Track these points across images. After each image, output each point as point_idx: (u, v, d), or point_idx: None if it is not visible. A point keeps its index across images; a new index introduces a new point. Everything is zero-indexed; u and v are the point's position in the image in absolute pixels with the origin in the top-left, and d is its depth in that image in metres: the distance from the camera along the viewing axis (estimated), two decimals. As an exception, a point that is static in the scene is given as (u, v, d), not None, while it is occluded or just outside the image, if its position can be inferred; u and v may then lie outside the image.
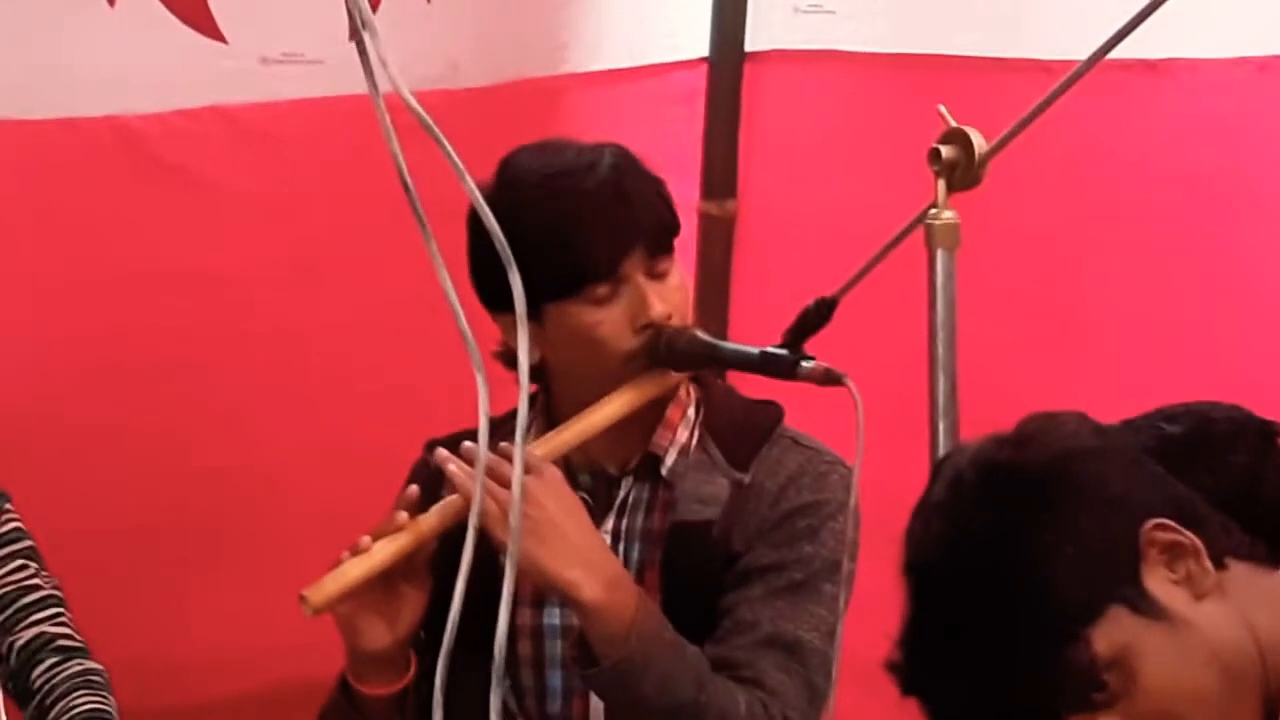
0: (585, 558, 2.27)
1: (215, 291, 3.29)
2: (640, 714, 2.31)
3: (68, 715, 2.64)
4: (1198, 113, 3.41)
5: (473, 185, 1.54)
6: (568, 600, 2.31)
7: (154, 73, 3.20)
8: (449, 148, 1.48)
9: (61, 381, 3.21)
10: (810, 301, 2.30)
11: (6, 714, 2.70)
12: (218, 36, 3.20)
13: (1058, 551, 1.62)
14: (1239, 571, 1.65)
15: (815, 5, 3.61)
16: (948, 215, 2.35)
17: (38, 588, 2.73)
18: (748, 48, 3.69)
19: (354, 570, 2.27)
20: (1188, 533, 1.63)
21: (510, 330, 2.35)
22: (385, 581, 2.30)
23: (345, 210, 3.30)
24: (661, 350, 2.36)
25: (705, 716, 2.29)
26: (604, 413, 2.37)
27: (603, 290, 2.36)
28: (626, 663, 2.26)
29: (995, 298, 3.22)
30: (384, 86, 1.49)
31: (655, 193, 2.42)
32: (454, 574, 1.56)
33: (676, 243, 2.45)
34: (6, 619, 2.71)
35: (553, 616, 2.46)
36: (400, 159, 1.48)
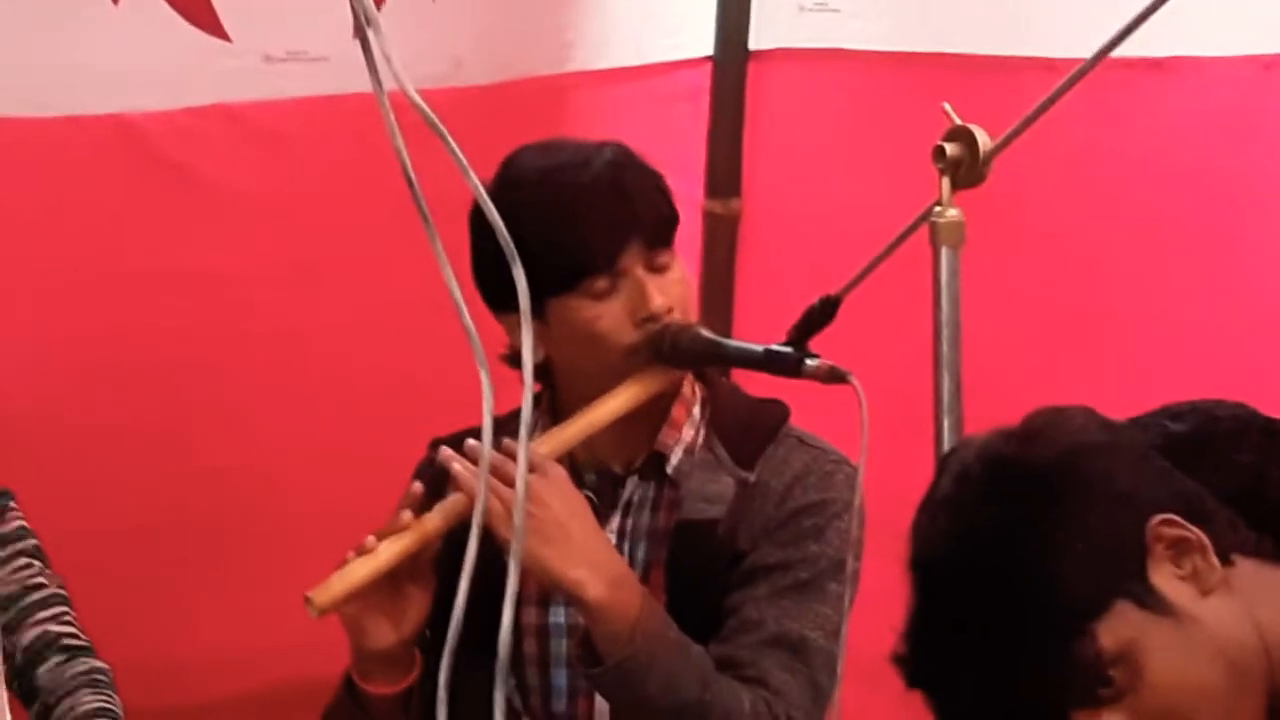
0: (589, 557, 2.28)
1: (218, 290, 3.29)
2: (644, 713, 2.31)
3: (72, 714, 2.64)
4: (1202, 111, 3.41)
5: (477, 183, 1.54)
6: (572, 599, 2.31)
7: (158, 71, 3.20)
8: (454, 145, 1.48)
9: (64, 380, 3.21)
10: (815, 300, 2.30)
11: (11, 713, 2.70)
12: (222, 34, 3.20)
13: (1064, 546, 1.61)
14: (1245, 567, 1.65)
15: (820, 4, 3.60)
16: (952, 213, 2.35)
17: (42, 586, 2.73)
18: (752, 46, 3.68)
19: (359, 570, 2.27)
20: (1194, 528, 1.63)
21: (514, 329, 2.36)
22: (390, 581, 2.30)
23: (349, 208, 3.30)
24: (666, 348, 2.36)
25: (709, 716, 2.29)
26: (608, 408, 2.37)
27: (602, 284, 2.36)
28: (631, 662, 2.26)
29: (1000, 296, 3.21)
30: (388, 84, 1.48)
31: (653, 186, 2.42)
32: (459, 573, 1.56)
33: (680, 241, 2.45)
34: (11, 618, 2.70)
35: (558, 615, 2.46)
36: (405, 157, 1.48)
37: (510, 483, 2.22)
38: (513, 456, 2.19)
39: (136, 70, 3.18)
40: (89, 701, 2.65)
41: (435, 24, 3.35)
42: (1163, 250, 3.43)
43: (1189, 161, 3.40)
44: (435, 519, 2.29)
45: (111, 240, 3.22)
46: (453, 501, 2.30)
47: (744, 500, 2.41)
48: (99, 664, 2.71)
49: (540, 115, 3.41)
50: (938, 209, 2.35)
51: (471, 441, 2.28)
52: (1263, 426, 1.77)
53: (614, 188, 2.37)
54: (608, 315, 2.37)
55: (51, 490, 2.97)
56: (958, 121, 2.36)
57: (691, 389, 2.48)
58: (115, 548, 3.22)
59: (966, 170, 2.34)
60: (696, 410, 2.48)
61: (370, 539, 2.28)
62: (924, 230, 2.37)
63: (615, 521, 2.46)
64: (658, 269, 2.39)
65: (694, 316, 2.43)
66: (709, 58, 3.69)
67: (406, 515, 2.30)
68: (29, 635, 2.69)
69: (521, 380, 1.63)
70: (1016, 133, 2.33)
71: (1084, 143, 3.35)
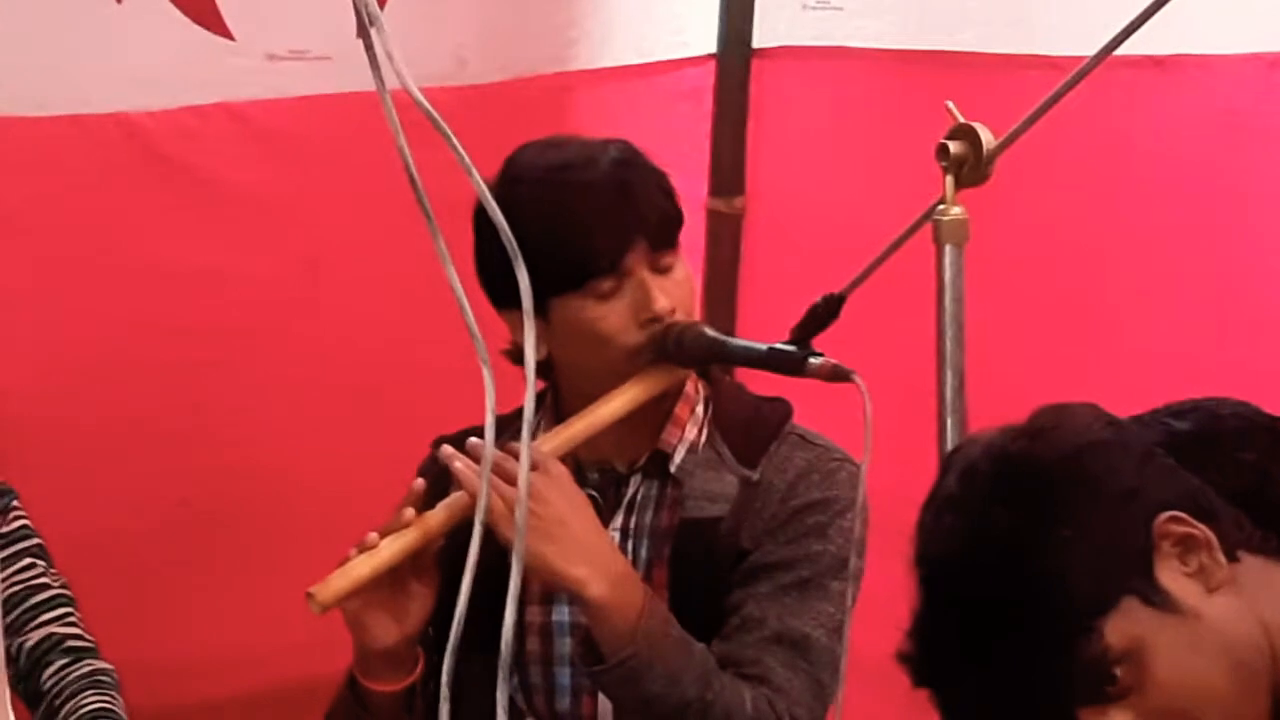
0: (591, 555, 2.27)
1: (220, 288, 3.29)
2: (647, 711, 2.31)
3: (75, 715, 2.63)
4: (1207, 109, 3.40)
5: (480, 181, 1.53)
6: (574, 597, 2.31)
7: (161, 70, 3.20)
8: (457, 143, 1.48)
9: (66, 379, 3.21)
10: (818, 298, 2.30)
11: (15, 716, 2.70)
12: (225, 33, 3.20)
13: (1070, 544, 1.61)
14: (1251, 565, 1.65)
15: (823, 2, 3.61)
16: (956, 211, 2.34)
17: (46, 587, 2.72)
18: (755, 44, 3.69)
19: (361, 567, 2.27)
20: (1200, 525, 1.63)
21: (517, 327, 2.36)
22: (393, 578, 2.30)
23: (352, 207, 3.30)
24: (670, 347, 2.36)
25: (711, 714, 2.29)
26: (611, 407, 2.37)
27: (606, 285, 2.36)
28: (633, 660, 2.26)
29: (1003, 294, 3.21)
30: (391, 83, 1.48)
31: (658, 186, 2.42)
32: (462, 571, 1.55)
33: (684, 239, 2.45)
34: (15, 619, 2.69)
35: (561, 614, 2.46)
36: (408, 155, 1.48)
37: (512, 481, 2.22)
38: (515, 455, 2.19)
39: (140, 69, 3.18)
40: (92, 702, 2.64)
41: (438, 22, 3.35)
42: (1166, 248, 3.43)
43: (1193, 159, 3.40)
44: (438, 516, 2.29)
45: (114, 239, 3.22)
46: (455, 499, 2.30)
47: (747, 499, 2.41)
48: (104, 665, 2.71)
49: (543, 113, 3.41)
50: (941, 207, 2.34)
51: (474, 440, 2.28)
52: (1267, 425, 1.77)
53: (619, 188, 2.37)
54: (611, 316, 2.36)
55: (57, 489, 2.97)
56: (961, 119, 2.36)
57: (695, 387, 2.48)
58: (119, 547, 3.22)
59: (970, 168, 2.33)
60: (700, 408, 2.48)
61: (372, 535, 2.28)
62: (927, 228, 2.37)
63: (618, 520, 2.45)
64: (662, 270, 2.39)
65: (696, 317, 2.43)
66: (712, 56, 3.70)
67: (409, 512, 2.30)
68: (34, 638, 2.68)
69: (524, 378, 1.63)
70: (1020, 131, 2.33)
71: (1088, 141, 3.35)
